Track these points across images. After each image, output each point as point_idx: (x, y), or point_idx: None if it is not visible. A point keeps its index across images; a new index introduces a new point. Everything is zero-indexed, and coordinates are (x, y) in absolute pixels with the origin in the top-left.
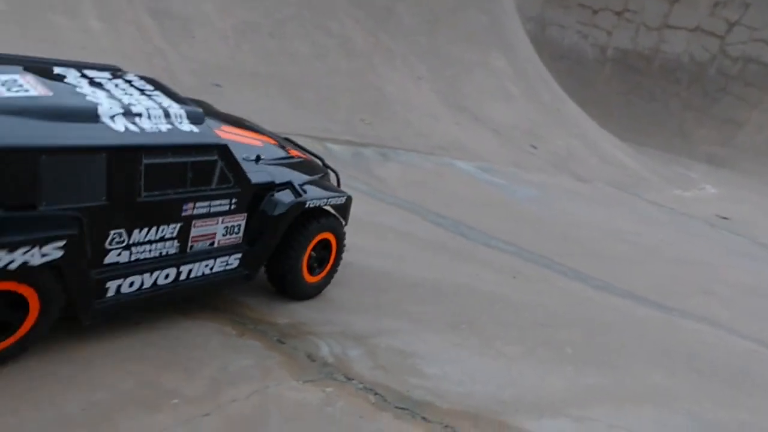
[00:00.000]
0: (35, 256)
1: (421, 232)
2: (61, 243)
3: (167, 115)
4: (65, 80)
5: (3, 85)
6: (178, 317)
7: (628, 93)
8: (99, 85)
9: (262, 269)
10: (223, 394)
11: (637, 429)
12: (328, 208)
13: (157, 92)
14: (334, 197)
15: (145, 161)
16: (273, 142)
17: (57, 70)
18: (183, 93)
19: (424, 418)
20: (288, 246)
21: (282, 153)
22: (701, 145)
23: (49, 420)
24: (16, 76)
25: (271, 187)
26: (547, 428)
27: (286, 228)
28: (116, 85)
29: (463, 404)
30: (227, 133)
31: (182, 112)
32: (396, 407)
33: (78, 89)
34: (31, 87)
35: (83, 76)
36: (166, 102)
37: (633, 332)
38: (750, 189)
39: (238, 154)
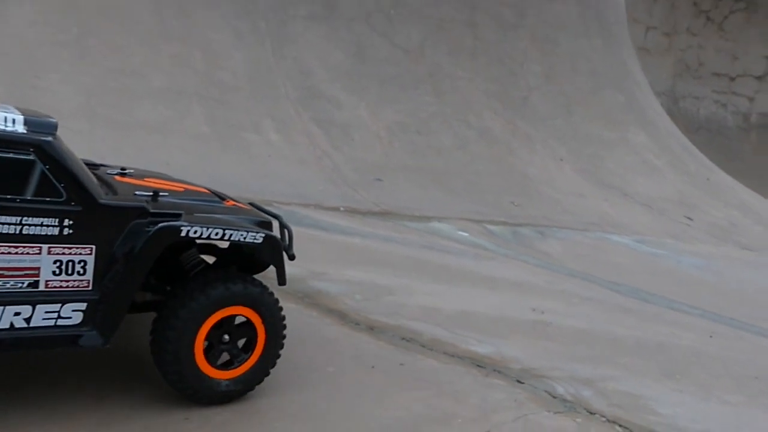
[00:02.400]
0: None
1: (604, 297)
2: None
3: None
4: None
5: None
6: (431, 360)
7: None
8: None
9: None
10: (493, 417)
11: None
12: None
13: (11, 110)
14: (238, 231)
15: None
16: (206, 191)
17: None
18: (348, 187)
19: None
20: (169, 313)
21: (208, 198)
22: None
23: (374, 427)
24: None
25: (141, 213)
26: None
27: (147, 266)
28: None
29: None
30: (147, 182)
31: (21, 118)
32: None
33: None
34: None
35: None
36: (6, 112)
37: None
38: None
39: (123, 187)
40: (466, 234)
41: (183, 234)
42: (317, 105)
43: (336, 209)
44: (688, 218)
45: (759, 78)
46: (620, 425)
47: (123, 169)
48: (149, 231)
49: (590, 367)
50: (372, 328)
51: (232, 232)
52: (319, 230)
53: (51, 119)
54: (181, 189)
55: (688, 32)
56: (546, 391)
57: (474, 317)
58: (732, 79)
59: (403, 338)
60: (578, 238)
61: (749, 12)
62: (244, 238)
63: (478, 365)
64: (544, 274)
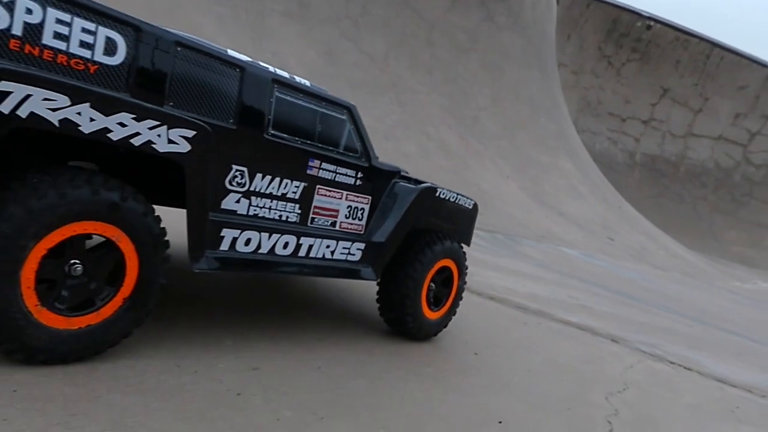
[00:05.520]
0: (162, 138)
1: (601, 292)
2: (190, 133)
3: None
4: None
5: None
6: (551, 323)
7: (657, 196)
8: None
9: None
10: (625, 359)
11: None
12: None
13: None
14: (462, 198)
15: (277, 93)
16: None
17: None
18: None
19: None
20: (408, 265)
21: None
22: (732, 247)
23: (570, 358)
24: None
25: (398, 175)
26: None
27: (413, 220)
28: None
29: None
30: None
31: (306, 82)
32: (741, 388)
33: None
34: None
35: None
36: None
37: None
38: None
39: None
40: None
41: (436, 195)
42: None
43: None
44: (610, 239)
45: (645, 122)
46: (696, 371)
47: None
48: (414, 190)
49: (644, 337)
50: (492, 298)
51: (460, 197)
52: None
53: (322, 88)
54: None
55: (592, 73)
56: (636, 348)
57: (541, 298)
58: (623, 120)
59: (518, 307)
60: (542, 247)
61: (642, 62)
62: (465, 203)
63: (581, 329)
64: (547, 272)
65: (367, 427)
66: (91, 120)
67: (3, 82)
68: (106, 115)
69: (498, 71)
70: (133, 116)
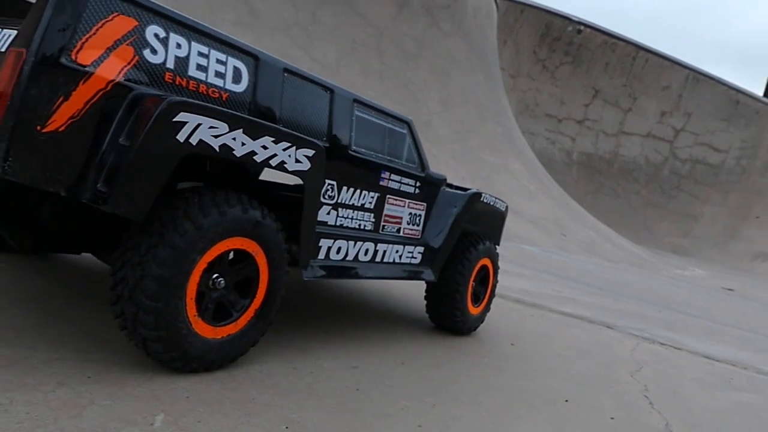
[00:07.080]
0: (291, 158)
1: (575, 285)
2: (311, 152)
3: None
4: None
5: None
6: (552, 315)
7: (594, 192)
8: None
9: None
10: (626, 343)
11: None
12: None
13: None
14: (498, 201)
15: (356, 113)
16: None
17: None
18: None
19: (745, 368)
20: (458, 262)
21: None
22: (665, 237)
23: (582, 342)
24: None
25: (445, 183)
26: None
27: (463, 225)
28: None
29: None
30: None
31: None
32: (726, 362)
33: None
34: None
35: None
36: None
37: None
38: (723, 271)
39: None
40: None
41: (481, 200)
42: None
43: None
44: (564, 235)
45: (579, 122)
46: (685, 350)
47: None
48: (463, 196)
49: (629, 323)
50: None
51: (497, 200)
52: None
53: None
54: None
55: (529, 76)
56: (629, 333)
57: (533, 293)
58: (559, 120)
59: (517, 301)
60: (505, 245)
61: (575, 65)
62: (500, 206)
63: (578, 318)
64: (521, 268)
65: (471, 409)
66: (243, 144)
67: (181, 113)
68: (254, 140)
69: (446, 76)
70: (273, 139)
